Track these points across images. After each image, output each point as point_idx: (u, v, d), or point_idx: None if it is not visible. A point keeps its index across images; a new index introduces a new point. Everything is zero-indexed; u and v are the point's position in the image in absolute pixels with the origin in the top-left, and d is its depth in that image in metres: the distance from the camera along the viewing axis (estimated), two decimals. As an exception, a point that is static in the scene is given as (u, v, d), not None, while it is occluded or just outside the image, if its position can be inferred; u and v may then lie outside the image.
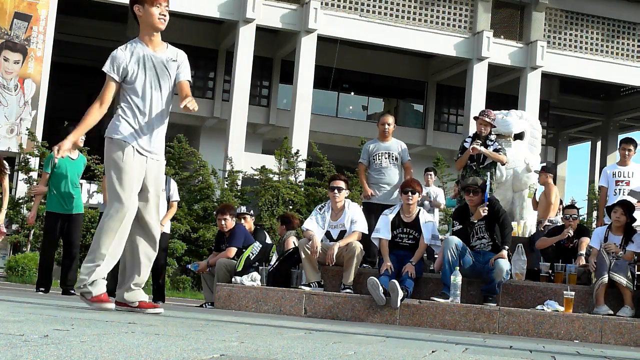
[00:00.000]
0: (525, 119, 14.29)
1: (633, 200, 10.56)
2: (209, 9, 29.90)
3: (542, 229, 12.25)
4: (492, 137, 11.26)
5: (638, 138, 12.08)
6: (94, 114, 6.42)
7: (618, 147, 12.20)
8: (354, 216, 9.83)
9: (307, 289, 9.36)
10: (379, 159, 10.92)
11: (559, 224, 11.58)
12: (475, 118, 11.32)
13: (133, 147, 6.26)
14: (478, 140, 10.88)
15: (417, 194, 9.95)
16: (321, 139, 31.58)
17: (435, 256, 10.09)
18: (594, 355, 5.88)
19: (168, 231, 11.41)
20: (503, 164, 11.40)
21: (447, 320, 8.79)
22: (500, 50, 32.56)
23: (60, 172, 10.67)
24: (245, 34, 29.91)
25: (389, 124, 11.08)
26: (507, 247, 9.41)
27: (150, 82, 6.31)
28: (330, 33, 30.90)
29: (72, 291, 10.72)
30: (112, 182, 6.20)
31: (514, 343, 6.61)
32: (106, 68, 6.38)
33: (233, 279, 9.77)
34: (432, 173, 15.09)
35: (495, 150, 10.98)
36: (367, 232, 9.90)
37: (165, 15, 6.31)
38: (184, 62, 6.51)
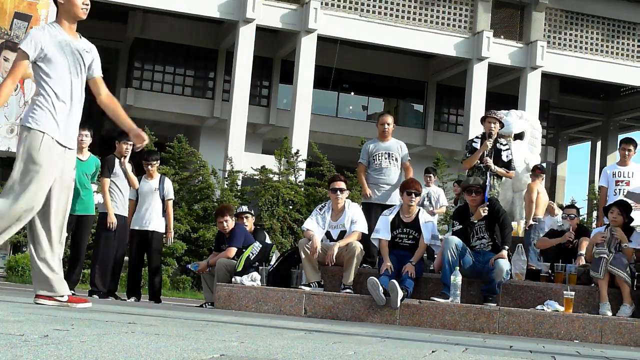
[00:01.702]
0: (525, 119, 14.30)
1: (630, 201, 10.55)
2: (209, 9, 29.90)
3: (527, 228, 12.32)
4: (503, 141, 11.27)
5: (638, 138, 12.08)
6: (8, 92, 5.97)
7: (618, 147, 12.20)
8: (354, 216, 9.84)
9: (307, 289, 9.36)
10: (378, 159, 10.90)
11: (559, 225, 11.59)
12: (483, 118, 11.31)
13: (52, 138, 5.92)
14: (490, 139, 10.84)
15: (419, 195, 9.99)
16: (321, 139, 31.59)
17: (435, 256, 10.10)
18: (594, 355, 5.88)
19: (163, 231, 11.41)
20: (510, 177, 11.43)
21: (447, 320, 8.80)
22: (500, 50, 32.56)
23: None
24: (245, 34, 29.91)
25: (388, 124, 11.07)
26: (507, 247, 9.42)
27: (69, 69, 6.05)
28: (330, 33, 30.90)
29: (73, 292, 10.72)
30: (21, 176, 5.84)
31: (514, 343, 6.62)
32: (23, 44, 5.96)
33: (233, 279, 9.77)
34: (431, 175, 15.07)
35: (508, 158, 11.00)
36: (367, 233, 9.90)
37: (88, 5, 6.16)
38: (97, 56, 6.33)
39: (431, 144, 36.77)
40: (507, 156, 11.01)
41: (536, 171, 13.05)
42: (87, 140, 10.71)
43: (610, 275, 9.26)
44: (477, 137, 11.29)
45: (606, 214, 10.17)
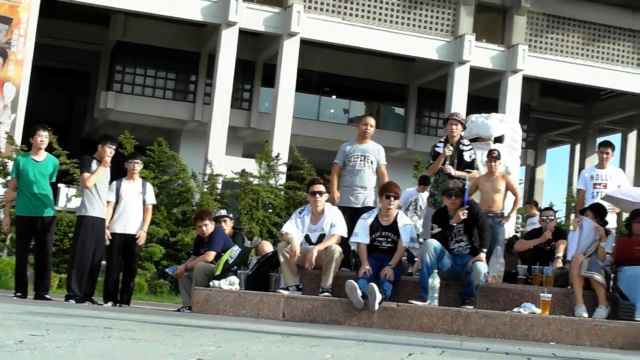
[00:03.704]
0: (506, 122, 14.35)
1: (607, 204, 10.65)
2: (191, 12, 29.87)
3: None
4: (466, 141, 11.25)
5: (616, 141, 12.18)
6: None
7: (596, 150, 12.27)
8: (334, 220, 9.83)
9: (285, 292, 9.37)
10: (354, 161, 10.79)
11: (535, 227, 11.67)
12: (446, 120, 11.33)
13: None
14: (450, 147, 10.84)
15: (398, 199, 10.01)
16: (302, 143, 31.60)
17: (415, 259, 10.13)
18: (570, 357, 5.94)
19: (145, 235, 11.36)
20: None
21: (425, 323, 8.83)
22: (481, 54, 32.69)
23: (25, 175, 10.60)
24: (227, 37, 29.89)
25: (371, 126, 10.95)
26: (485, 250, 9.46)
27: None
28: (312, 36, 30.93)
29: (47, 296, 10.68)
30: None
31: (490, 345, 6.66)
32: None
33: (211, 283, 9.76)
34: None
35: (471, 158, 11.00)
36: (346, 236, 9.89)
37: None
38: None
39: (412, 147, 36.85)
40: (469, 156, 10.99)
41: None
42: (46, 141, 10.71)
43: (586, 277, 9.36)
44: (440, 142, 11.22)
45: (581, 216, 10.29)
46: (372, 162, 10.76)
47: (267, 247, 10.85)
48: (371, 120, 11.05)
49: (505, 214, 11.21)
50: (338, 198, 10.84)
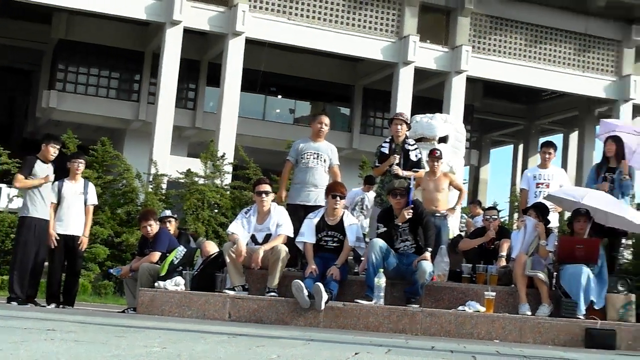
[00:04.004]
0: (450, 123, 14.50)
1: (549, 204, 10.81)
2: (135, 11, 29.56)
3: None
4: (411, 141, 11.33)
5: (558, 141, 12.39)
6: None
7: (539, 150, 12.45)
8: (280, 219, 9.83)
9: (231, 293, 9.34)
10: (306, 159, 10.80)
11: (479, 226, 11.80)
12: (390, 120, 11.40)
13: None
14: (395, 156, 10.90)
15: (344, 198, 10.04)
16: (248, 142, 31.50)
17: (361, 259, 10.17)
18: (513, 354, 6.01)
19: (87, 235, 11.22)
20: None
21: (371, 322, 8.87)
22: (426, 55, 32.91)
23: None
24: (172, 36, 29.65)
25: (325, 124, 10.96)
26: (430, 249, 9.54)
27: None
28: (258, 36, 30.83)
29: None
30: None
31: (436, 344, 6.71)
32: None
33: (156, 284, 9.67)
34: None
35: (417, 157, 11.09)
36: (292, 236, 9.89)
37: None
38: None
39: (357, 147, 36.98)
40: (415, 156, 11.07)
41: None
42: None
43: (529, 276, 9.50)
44: (385, 142, 11.29)
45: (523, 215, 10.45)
46: (325, 161, 10.80)
47: (210, 247, 10.78)
48: (326, 119, 11.07)
49: (450, 207, 11.43)
50: (285, 197, 10.84)
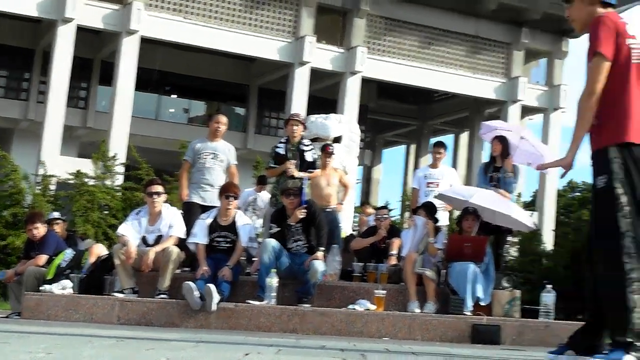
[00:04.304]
0: (344, 123, 14.63)
1: (439, 203, 11.04)
2: (26, 7, 28.74)
3: None
4: (307, 141, 11.40)
5: (449, 142, 12.67)
6: None
7: (430, 150, 12.69)
8: (172, 221, 9.75)
9: (120, 295, 9.18)
10: (203, 159, 10.77)
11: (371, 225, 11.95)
12: (286, 121, 11.46)
13: None
14: (292, 161, 10.94)
15: (237, 199, 10.03)
16: (141, 142, 31.00)
17: (254, 259, 10.17)
18: (402, 351, 6.10)
19: None
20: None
21: (262, 323, 8.86)
22: (322, 55, 33.09)
23: None
24: (63, 34, 28.96)
25: (223, 124, 10.96)
26: (322, 248, 9.61)
27: None
28: (152, 34, 30.41)
29: None
30: None
31: (326, 343, 6.75)
32: None
33: (42, 288, 9.44)
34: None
35: (313, 158, 11.18)
36: (184, 237, 9.81)
37: None
38: None
39: (252, 147, 36.91)
40: (311, 156, 11.19)
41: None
42: None
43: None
44: (280, 142, 11.35)
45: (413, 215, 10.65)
46: (222, 161, 10.81)
47: (99, 249, 10.60)
48: (223, 119, 11.06)
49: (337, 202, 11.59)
50: (186, 196, 10.76)
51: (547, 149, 12.20)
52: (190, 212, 10.41)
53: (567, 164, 5.03)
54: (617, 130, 4.93)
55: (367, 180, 44.69)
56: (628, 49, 4.99)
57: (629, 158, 4.89)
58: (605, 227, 4.90)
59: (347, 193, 12.21)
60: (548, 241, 28.42)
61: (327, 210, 11.26)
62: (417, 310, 9.43)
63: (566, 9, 5.32)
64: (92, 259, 10.38)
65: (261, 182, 14.53)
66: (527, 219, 11.02)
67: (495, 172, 11.04)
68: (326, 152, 11.63)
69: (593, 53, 4.96)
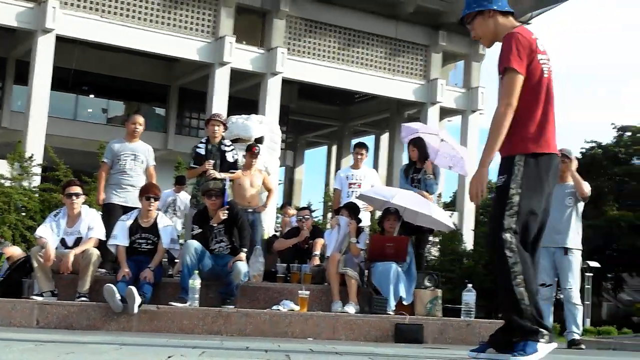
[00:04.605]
0: (265, 124, 14.64)
1: (361, 203, 11.12)
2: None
3: None
4: (227, 142, 11.39)
5: (370, 143, 12.77)
6: None
7: (352, 151, 12.77)
8: (91, 222, 9.61)
9: (39, 298, 9.00)
10: (123, 160, 10.70)
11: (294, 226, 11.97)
12: (207, 121, 11.43)
13: None
14: (210, 161, 10.91)
15: (158, 200, 9.94)
16: (58, 143, 30.40)
17: (176, 260, 10.09)
18: (326, 351, 6.12)
19: None
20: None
21: (185, 325, 8.79)
22: (242, 56, 32.98)
23: None
24: (-24, 33, 28.28)
25: (140, 124, 10.90)
26: (245, 249, 9.60)
27: None
28: (69, 33, 29.86)
29: None
30: None
31: (250, 344, 6.74)
32: None
33: (-44, 292, 9.20)
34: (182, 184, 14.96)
35: (234, 158, 11.15)
36: (104, 239, 9.69)
37: None
38: None
39: (173, 147, 36.60)
40: (232, 157, 11.19)
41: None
42: None
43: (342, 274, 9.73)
44: (201, 143, 11.34)
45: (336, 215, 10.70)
46: (142, 162, 10.77)
47: (16, 251, 10.37)
48: (140, 119, 11.03)
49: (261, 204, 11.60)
50: (102, 200, 10.64)
51: (466, 151, 12.40)
52: (110, 214, 10.30)
53: (483, 179, 5.14)
54: (526, 141, 5.13)
55: (289, 181, 44.76)
56: (539, 64, 5.19)
57: (533, 166, 5.11)
58: (495, 223, 5.12)
59: (271, 197, 12.22)
60: (468, 241, 28.93)
61: (249, 211, 11.27)
62: (341, 310, 9.47)
63: (471, 32, 5.49)
64: (9, 262, 10.15)
65: (179, 182, 14.47)
66: (448, 219, 11.19)
67: (416, 173, 11.14)
68: (252, 152, 11.61)
69: (505, 68, 5.13)
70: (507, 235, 5.02)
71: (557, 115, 5.27)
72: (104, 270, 10.06)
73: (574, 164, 9.89)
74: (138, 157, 10.76)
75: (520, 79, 5.09)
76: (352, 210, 10.63)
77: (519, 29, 5.26)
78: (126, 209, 10.31)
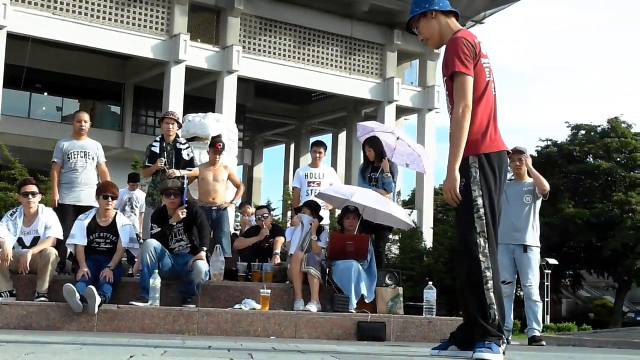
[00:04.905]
0: (222, 122, 14.57)
1: (320, 202, 11.13)
2: None
3: None
4: (182, 140, 11.36)
5: (328, 141, 12.78)
6: None
7: (310, 149, 12.77)
8: (48, 221, 9.53)
9: (-3, 299, 8.88)
10: (74, 158, 10.63)
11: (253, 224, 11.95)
12: (161, 119, 11.39)
13: None
14: (162, 159, 10.88)
15: (116, 199, 9.87)
16: (12, 141, 29.98)
17: (136, 260, 10.03)
18: (289, 349, 6.11)
19: None
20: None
21: (147, 324, 8.73)
22: (197, 54, 32.79)
23: None
24: None
25: (85, 121, 10.85)
26: (205, 248, 9.57)
27: None
28: (20, 30, 29.43)
29: None
30: None
31: (212, 343, 6.71)
32: None
33: None
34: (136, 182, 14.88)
35: (189, 156, 11.13)
36: (62, 238, 9.60)
37: None
38: None
39: (129, 146, 36.32)
40: (187, 155, 11.17)
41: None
42: None
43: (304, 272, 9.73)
44: (156, 141, 11.32)
45: (298, 213, 10.70)
46: (93, 159, 10.71)
47: None
48: (85, 116, 10.97)
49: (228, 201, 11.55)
50: (56, 201, 10.55)
51: (422, 149, 12.45)
52: (63, 214, 10.20)
53: (455, 183, 5.16)
54: (476, 142, 5.20)
55: (248, 180, 44.64)
56: (482, 68, 5.27)
57: (487, 165, 5.19)
58: (463, 228, 5.18)
59: (239, 193, 12.17)
60: (428, 238, 29.14)
61: (214, 208, 11.22)
62: (303, 309, 9.47)
63: (418, 35, 5.55)
64: None
65: (133, 180, 14.41)
66: (407, 217, 11.24)
67: (374, 172, 11.17)
68: (215, 148, 11.56)
69: (454, 72, 5.19)
70: (481, 240, 5.09)
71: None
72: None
73: (529, 161, 10.00)
74: (88, 154, 10.73)
75: (470, 80, 5.16)
76: (314, 208, 10.63)
77: (462, 32, 5.34)
78: (81, 208, 10.24)
